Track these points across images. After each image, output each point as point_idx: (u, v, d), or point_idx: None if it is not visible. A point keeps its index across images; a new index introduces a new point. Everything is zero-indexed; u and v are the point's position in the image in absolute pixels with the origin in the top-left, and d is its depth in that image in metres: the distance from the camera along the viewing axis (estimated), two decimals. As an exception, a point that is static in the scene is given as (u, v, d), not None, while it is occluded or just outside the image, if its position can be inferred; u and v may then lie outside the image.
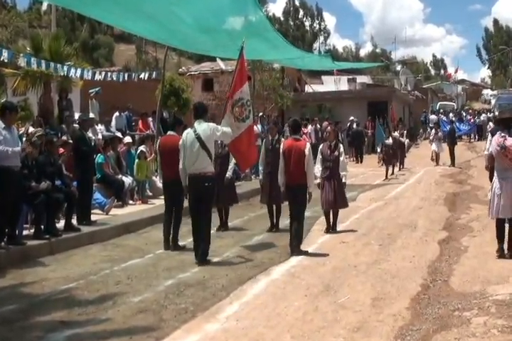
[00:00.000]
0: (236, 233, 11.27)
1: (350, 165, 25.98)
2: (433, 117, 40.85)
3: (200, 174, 8.61)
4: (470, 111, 46.95)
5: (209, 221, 8.91)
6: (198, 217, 8.79)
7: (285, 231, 9.99)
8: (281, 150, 9.54)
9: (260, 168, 11.64)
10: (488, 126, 31.79)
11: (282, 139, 11.54)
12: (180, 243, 9.81)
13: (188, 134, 8.77)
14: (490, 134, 13.54)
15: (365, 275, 7.85)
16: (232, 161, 11.47)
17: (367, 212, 13.51)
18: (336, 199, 10.95)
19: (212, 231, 10.74)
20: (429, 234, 10.65)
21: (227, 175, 11.42)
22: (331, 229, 11.11)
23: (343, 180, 11.01)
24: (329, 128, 11.87)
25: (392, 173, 21.60)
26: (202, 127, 8.68)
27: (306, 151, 9.20)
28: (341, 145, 11.28)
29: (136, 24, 10.22)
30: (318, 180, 11.12)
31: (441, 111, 46.19)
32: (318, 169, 11.09)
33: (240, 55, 9.82)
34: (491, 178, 9.41)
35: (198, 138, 8.59)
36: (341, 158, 11.02)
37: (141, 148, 15.19)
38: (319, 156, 11.21)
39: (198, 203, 8.73)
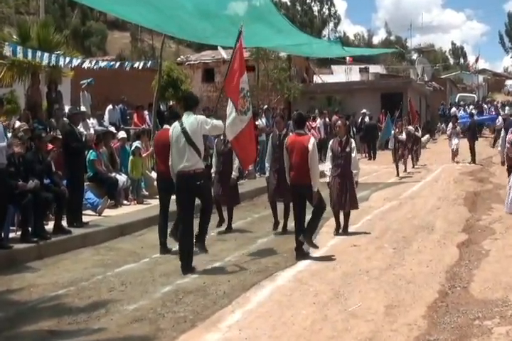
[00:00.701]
0: (239, 235, 11.27)
1: (362, 162, 26.02)
2: (453, 110, 40.74)
3: (189, 172, 8.44)
4: (495, 103, 46.64)
5: (208, 218, 8.91)
6: (188, 218, 8.58)
7: (292, 234, 9.99)
8: (284, 147, 9.53)
9: (267, 164, 11.66)
10: (497, 121, 31.58)
11: (290, 133, 11.56)
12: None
13: (174, 128, 8.62)
14: (504, 130, 13.57)
15: (377, 282, 7.84)
16: (237, 160, 11.51)
17: (380, 212, 13.50)
18: (347, 199, 10.96)
19: (212, 234, 10.78)
20: (447, 237, 10.63)
21: (232, 176, 11.46)
22: (341, 230, 11.11)
23: (355, 179, 11.00)
24: (339, 122, 11.80)
25: (405, 170, 21.57)
26: (189, 120, 8.51)
27: (310, 146, 9.10)
28: (353, 141, 11.24)
29: (130, 9, 10.16)
30: (327, 179, 11.13)
31: (462, 103, 46.06)
32: (328, 167, 11.11)
33: (237, 40, 9.69)
34: (509, 174, 9.46)
35: (184, 132, 8.42)
36: (353, 155, 10.98)
37: (136, 143, 15.16)
38: (329, 153, 11.20)
39: (188, 203, 8.56)
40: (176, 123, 8.65)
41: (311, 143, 9.15)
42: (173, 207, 9.38)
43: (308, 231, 9.30)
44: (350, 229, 11.34)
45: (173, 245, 9.59)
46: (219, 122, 8.75)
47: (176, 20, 10.94)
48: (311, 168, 9.10)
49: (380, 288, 7.51)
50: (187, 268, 8.44)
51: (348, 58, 44.55)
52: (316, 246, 9.42)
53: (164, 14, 10.46)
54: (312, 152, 9.10)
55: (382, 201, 15.22)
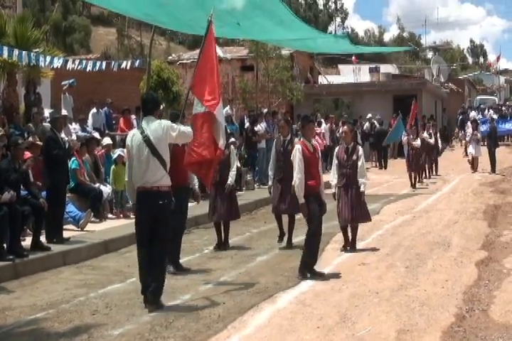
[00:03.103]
0: (236, 253, 11.30)
1: (372, 172, 26.17)
2: (473, 114, 40.70)
3: (152, 189, 7.82)
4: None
5: (164, 252, 8.11)
6: (151, 246, 7.93)
7: (297, 249, 9.98)
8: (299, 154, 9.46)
9: (270, 173, 11.76)
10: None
11: (296, 139, 11.64)
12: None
13: (134, 136, 7.98)
14: None
15: (388, 304, 7.86)
16: (235, 166, 11.59)
17: (392, 227, 13.53)
18: (355, 212, 11.00)
19: (206, 251, 10.81)
20: (465, 254, 10.65)
21: (228, 182, 11.50)
22: (349, 247, 11.15)
23: (361, 189, 11.04)
24: (345, 127, 11.86)
25: (420, 181, 21.62)
26: (152, 126, 7.88)
27: (293, 151, 9.41)
28: (360, 148, 11.31)
29: None
30: (333, 189, 11.19)
31: (482, 106, 46.11)
32: (333, 176, 11.17)
33: (207, 31, 8.94)
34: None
35: (147, 141, 7.80)
36: (360, 163, 11.04)
37: (118, 151, 14.93)
38: (334, 161, 11.27)
39: (150, 227, 7.91)
40: (135, 131, 8.11)
41: (295, 149, 9.43)
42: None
43: (304, 263, 9.34)
44: (359, 245, 11.37)
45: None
46: (187, 128, 8.29)
47: (167, 8, 10.89)
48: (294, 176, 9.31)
49: (391, 311, 7.53)
50: (151, 302, 7.89)
51: (353, 57, 44.72)
52: (322, 274, 9.41)
53: (155, 2, 10.43)
54: (293, 158, 9.34)
55: (394, 215, 15.26)
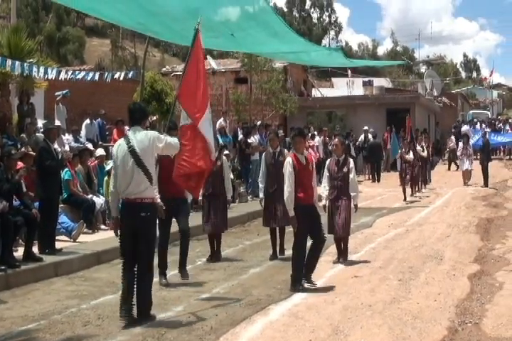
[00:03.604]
0: (229, 265, 11.29)
1: (365, 185, 26.23)
2: (465, 128, 40.75)
3: (135, 200, 7.66)
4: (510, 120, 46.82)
5: (151, 268, 7.89)
6: (134, 259, 7.74)
7: (289, 261, 9.99)
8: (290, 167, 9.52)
9: (261, 185, 11.78)
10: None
11: (286, 151, 11.69)
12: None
13: (119, 146, 7.85)
14: None
15: (381, 317, 7.86)
16: (229, 179, 11.68)
17: (384, 240, 13.55)
18: (339, 223, 10.98)
19: (199, 263, 10.80)
20: (457, 268, 10.67)
21: (228, 198, 11.68)
22: (342, 258, 11.17)
23: (354, 203, 11.07)
24: (336, 140, 11.90)
25: (412, 194, 21.68)
26: (138, 137, 7.73)
27: (284, 164, 9.44)
28: (351, 161, 11.34)
29: (109, 6, 10.14)
30: (323, 202, 11.24)
31: (475, 120, 46.26)
32: (324, 188, 11.21)
33: (194, 39, 8.73)
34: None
35: (132, 151, 7.65)
36: (351, 176, 11.05)
37: (111, 162, 14.93)
38: (326, 173, 11.32)
39: (133, 240, 7.72)
40: (122, 141, 7.93)
41: (286, 161, 9.47)
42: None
43: (293, 272, 9.37)
44: (352, 257, 11.38)
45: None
46: (174, 140, 8.09)
47: (160, 17, 10.91)
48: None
49: (383, 324, 7.52)
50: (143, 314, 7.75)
51: (348, 71, 44.86)
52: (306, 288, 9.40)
53: (147, 11, 10.45)
54: (284, 170, 9.37)
55: (386, 228, 15.28)
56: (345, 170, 11.04)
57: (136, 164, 7.62)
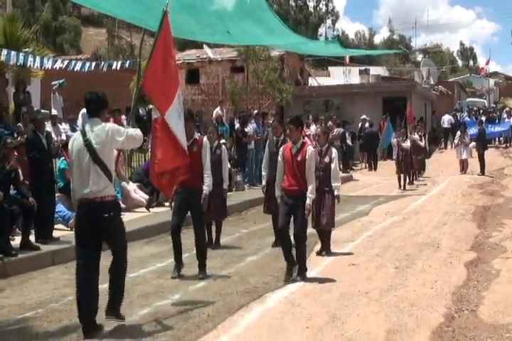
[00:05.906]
0: (226, 253, 11.30)
1: (362, 173, 26.23)
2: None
3: (95, 200, 6.89)
4: (507, 108, 46.61)
5: (124, 271, 7.36)
6: (93, 265, 7.09)
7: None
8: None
9: (263, 173, 11.75)
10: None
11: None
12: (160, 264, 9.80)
13: (75, 141, 7.10)
14: None
15: (378, 304, 7.87)
16: (227, 168, 11.67)
17: (381, 228, 13.56)
18: (323, 216, 10.81)
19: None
20: (454, 255, 10.68)
21: (224, 187, 11.52)
22: (324, 251, 11.08)
23: (336, 193, 10.81)
24: (319, 129, 11.83)
25: (411, 182, 21.71)
26: (95, 130, 6.98)
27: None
28: (334, 151, 11.05)
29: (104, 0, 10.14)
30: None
31: (467, 109, 46.14)
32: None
33: (161, 24, 8.09)
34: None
35: (88, 145, 6.90)
36: (333, 166, 10.79)
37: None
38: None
39: (94, 243, 7.02)
40: (78, 134, 7.22)
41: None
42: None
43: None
44: (348, 245, 11.41)
45: (160, 261, 9.62)
46: (136, 131, 7.26)
47: (155, 12, 10.88)
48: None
49: (380, 311, 7.54)
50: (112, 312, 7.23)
51: (346, 59, 44.74)
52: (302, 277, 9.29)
53: (143, 5, 10.43)
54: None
55: (383, 216, 15.29)
56: (326, 160, 10.78)
57: (92, 160, 6.87)
